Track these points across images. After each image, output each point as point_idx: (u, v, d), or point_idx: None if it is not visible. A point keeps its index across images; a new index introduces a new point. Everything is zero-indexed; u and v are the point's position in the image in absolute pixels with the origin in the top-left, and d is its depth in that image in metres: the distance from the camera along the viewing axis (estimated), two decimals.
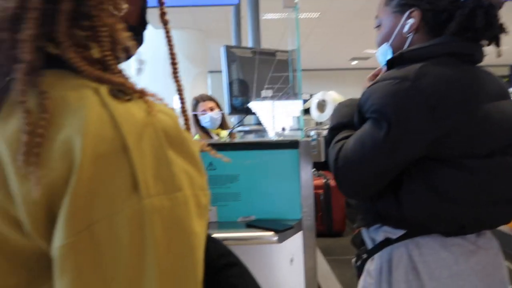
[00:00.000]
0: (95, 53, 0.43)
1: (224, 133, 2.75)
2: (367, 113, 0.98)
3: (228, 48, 1.77)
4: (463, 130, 0.94)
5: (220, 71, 1.77)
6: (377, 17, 1.13)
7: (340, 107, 1.18)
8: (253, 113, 1.92)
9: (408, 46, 1.03)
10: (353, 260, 1.19)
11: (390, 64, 1.04)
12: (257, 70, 1.81)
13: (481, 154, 0.97)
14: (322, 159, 2.80)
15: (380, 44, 1.11)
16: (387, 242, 1.05)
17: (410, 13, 1.01)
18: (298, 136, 1.53)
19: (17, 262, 0.39)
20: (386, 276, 1.03)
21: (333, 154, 1.04)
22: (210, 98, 2.97)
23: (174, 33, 0.58)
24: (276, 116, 1.78)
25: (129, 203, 0.37)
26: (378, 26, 1.12)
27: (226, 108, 1.77)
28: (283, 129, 1.72)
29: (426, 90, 0.91)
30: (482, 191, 0.97)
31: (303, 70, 2.06)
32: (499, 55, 1.03)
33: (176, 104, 0.63)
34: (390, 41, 1.07)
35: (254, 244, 1.39)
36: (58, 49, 0.43)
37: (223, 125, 2.89)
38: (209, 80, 7.24)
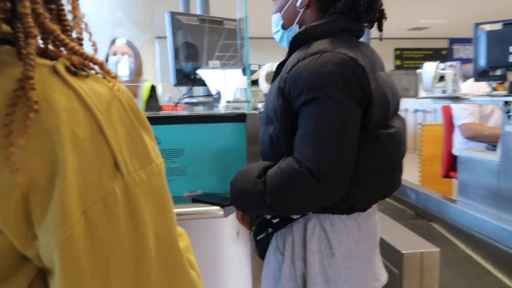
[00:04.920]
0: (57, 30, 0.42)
1: None
2: (300, 96, 0.94)
3: (174, 15, 1.67)
4: (376, 98, 0.97)
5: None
6: None
7: (241, 176, 1.07)
8: (200, 85, 1.86)
9: (299, 20, 1.10)
10: (252, 234, 1.19)
11: (294, 40, 1.07)
12: (205, 38, 1.74)
13: (385, 123, 1.03)
14: None
15: (275, 13, 1.16)
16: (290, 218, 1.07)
17: None
18: (245, 108, 1.51)
19: None
20: (299, 250, 1.05)
21: (288, 172, 0.93)
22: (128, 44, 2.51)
23: None
24: (226, 85, 1.73)
25: (116, 182, 0.39)
26: None
27: (171, 79, 1.69)
28: (228, 101, 1.68)
29: (348, 54, 0.94)
30: (386, 163, 1.03)
31: (252, 38, 2.01)
32: (380, 38, 1.13)
33: None
34: (282, 12, 1.13)
35: (200, 218, 1.38)
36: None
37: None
38: (157, 47, 6.91)
